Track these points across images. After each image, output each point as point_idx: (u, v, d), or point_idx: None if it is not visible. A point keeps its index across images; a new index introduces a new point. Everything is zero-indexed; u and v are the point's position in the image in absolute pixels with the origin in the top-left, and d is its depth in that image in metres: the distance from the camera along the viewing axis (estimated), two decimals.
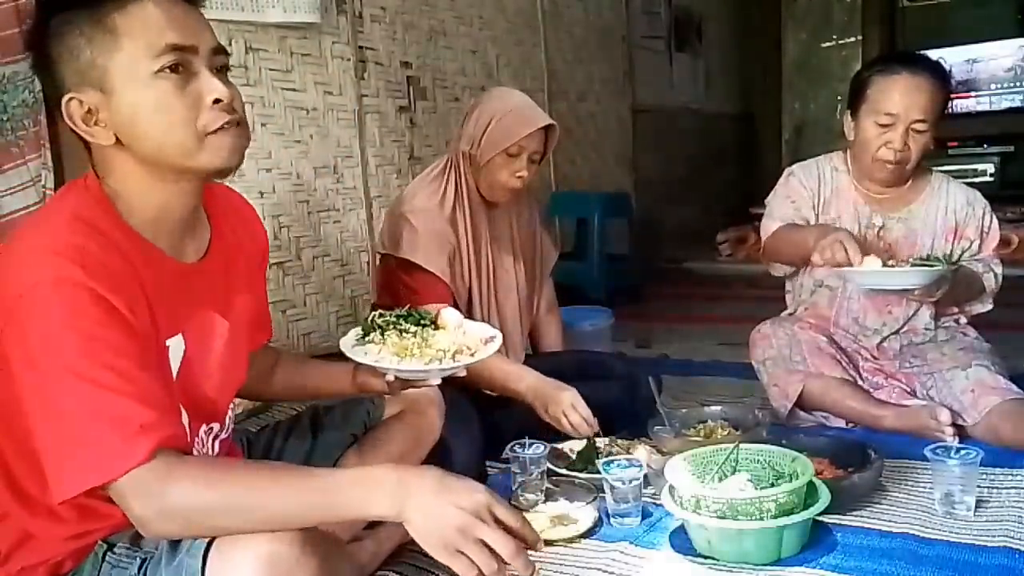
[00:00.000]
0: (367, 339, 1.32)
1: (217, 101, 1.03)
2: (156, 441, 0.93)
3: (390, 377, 1.29)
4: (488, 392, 2.02)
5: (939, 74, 2.06)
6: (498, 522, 0.97)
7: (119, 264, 1.00)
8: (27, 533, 1.07)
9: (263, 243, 1.34)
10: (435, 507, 0.95)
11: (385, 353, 1.28)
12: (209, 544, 0.96)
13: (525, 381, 1.90)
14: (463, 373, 1.33)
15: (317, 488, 0.97)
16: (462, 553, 0.95)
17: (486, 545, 0.95)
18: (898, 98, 2.01)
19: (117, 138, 1.03)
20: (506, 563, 0.95)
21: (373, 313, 1.39)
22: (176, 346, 1.10)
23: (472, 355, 1.30)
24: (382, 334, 1.31)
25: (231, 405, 1.28)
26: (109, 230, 1.02)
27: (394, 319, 1.33)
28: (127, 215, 1.06)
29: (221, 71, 1.07)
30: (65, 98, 1.02)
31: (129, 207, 1.06)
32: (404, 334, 1.30)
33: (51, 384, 0.93)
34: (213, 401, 1.19)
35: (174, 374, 1.10)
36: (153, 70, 1.00)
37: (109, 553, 1.05)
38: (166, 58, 1.00)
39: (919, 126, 2.02)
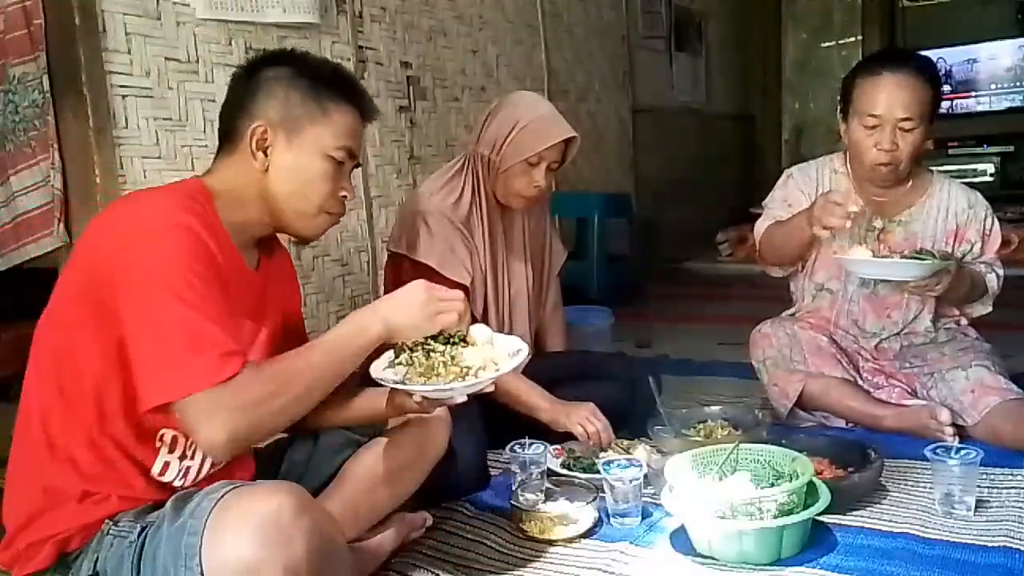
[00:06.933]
0: (396, 361, 1.33)
1: (344, 196, 1.35)
2: (236, 368, 1.09)
3: (417, 398, 1.31)
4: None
5: (924, 70, 2.03)
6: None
7: (214, 244, 1.17)
8: (36, 508, 1.14)
9: (296, 302, 1.51)
10: (403, 301, 1.27)
11: (411, 374, 1.29)
12: (211, 510, 1.04)
13: (543, 409, 1.93)
14: (491, 389, 1.33)
15: (331, 349, 1.22)
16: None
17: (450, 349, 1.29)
18: (881, 98, 2.00)
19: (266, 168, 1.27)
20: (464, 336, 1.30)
21: None
22: None
23: (497, 370, 1.30)
24: (411, 355, 1.31)
25: None
26: (213, 220, 1.21)
27: (423, 339, 1.32)
28: (222, 214, 1.24)
29: (354, 168, 1.37)
30: (257, 123, 1.27)
31: (224, 208, 1.25)
32: (432, 354, 1.30)
33: (154, 304, 1.08)
34: None
35: None
36: (328, 152, 1.30)
37: (113, 527, 1.13)
38: (340, 152, 1.32)
39: (906, 124, 2.00)
